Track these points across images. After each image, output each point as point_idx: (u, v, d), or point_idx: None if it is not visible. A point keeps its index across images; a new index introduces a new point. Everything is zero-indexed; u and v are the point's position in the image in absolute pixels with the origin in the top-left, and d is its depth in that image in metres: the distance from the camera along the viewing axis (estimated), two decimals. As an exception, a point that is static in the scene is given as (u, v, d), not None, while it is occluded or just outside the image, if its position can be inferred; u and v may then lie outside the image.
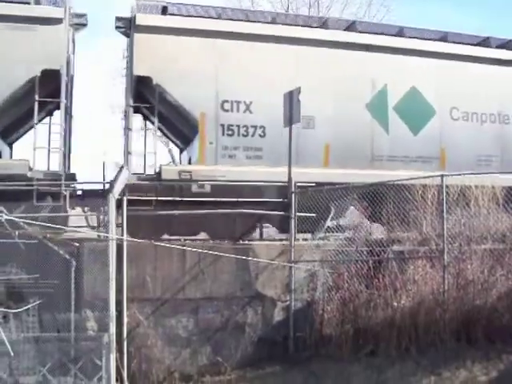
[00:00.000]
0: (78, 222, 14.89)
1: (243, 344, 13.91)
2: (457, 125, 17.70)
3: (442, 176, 13.26)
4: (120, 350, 12.98)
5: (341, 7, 32.31)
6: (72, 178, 15.76)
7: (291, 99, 14.61)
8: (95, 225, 14.51)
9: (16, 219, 9.62)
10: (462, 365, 11.71)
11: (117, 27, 16.34)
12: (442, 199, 13.08)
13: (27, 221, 10.22)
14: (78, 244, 12.08)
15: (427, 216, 13.73)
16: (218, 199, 15.26)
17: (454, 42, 18.36)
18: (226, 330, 13.83)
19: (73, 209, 15.25)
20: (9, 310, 12.34)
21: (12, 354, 11.99)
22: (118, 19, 16.33)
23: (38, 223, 10.54)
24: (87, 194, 15.73)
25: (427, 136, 17.41)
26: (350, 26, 18.00)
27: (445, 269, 12.85)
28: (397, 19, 42.32)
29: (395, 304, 12.97)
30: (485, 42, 18.64)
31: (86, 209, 15.52)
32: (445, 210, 13.01)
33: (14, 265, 12.49)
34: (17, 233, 9.91)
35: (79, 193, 15.93)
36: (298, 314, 14.01)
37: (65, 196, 14.66)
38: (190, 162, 17.54)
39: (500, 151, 17.97)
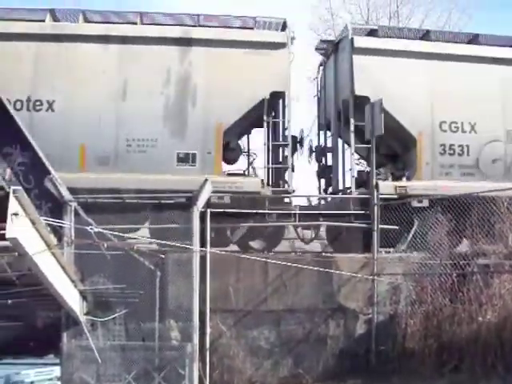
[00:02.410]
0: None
1: (324, 356, 13.89)
2: None
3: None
4: (202, 360, 13.13)
5: (421, 17, 31.83)
6: None
7: (373, 110, 14.59)
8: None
9: (104, 231, 9.89)
10: (551, 384, 11.43)
11: None
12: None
13: (115, 233, 10.47)
14: (163, 256, 12.29)
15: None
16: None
17: None
18: (307, 342, 13.85)
19: None
20: (96, 319, 12.69)
21: (100, 360, 12.40)
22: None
23: (124, 235, 10.79)
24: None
25: None
26: None
27: (532, 283, 12.59)
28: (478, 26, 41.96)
29: (480, 319, 12.75)
30: None
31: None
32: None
33: (102, 275, 12.79)
34: (105, 245, 10.16)
35: None
36: (380, 327, 13.92)
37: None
38: None
39: None
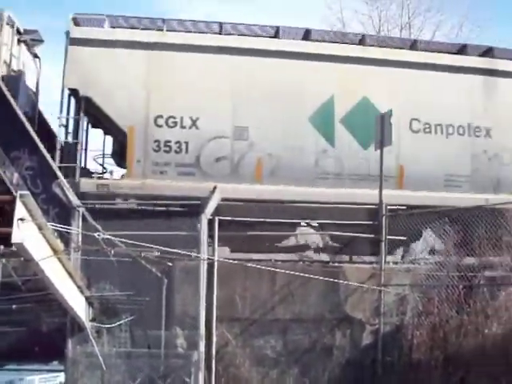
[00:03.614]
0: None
1: (330, 366, 13.80)
2: None
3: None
4: (208, 369, 13.08)
5: (433, 28, 31.89)
6: None
7: (382, 122, 14.51)
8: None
9: (112, 238, 9.86)
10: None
11: None
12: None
13: (123, 239, 10.44)
14: (171, 264, 12.25)
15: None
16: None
17: None
18: (314, 351, 13.77)
19: None
20: (102, 325, 12.65)
21: (104, 367, 12.36)
22: None
23: (131, 242, 10.74)
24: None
25: None
26: None
27: (539, 296, 12.53)
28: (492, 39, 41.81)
29: (486, 331, 12.71)
30: None
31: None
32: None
33: (108, 281, 12.76)
34: (112, 251, 10.14)
35: None
36: (387, 337, 13.85)
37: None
38: None
39: None
